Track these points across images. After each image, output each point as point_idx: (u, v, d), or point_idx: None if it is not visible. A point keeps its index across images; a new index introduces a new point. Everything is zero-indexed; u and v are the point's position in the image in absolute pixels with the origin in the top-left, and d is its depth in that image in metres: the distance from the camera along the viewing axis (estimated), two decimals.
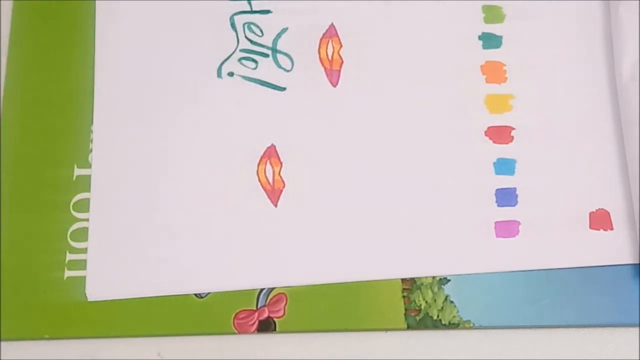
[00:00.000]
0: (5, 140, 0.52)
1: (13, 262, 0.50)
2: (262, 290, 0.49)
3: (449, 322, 0.48)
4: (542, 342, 0.48)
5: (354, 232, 0.49)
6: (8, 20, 0.55)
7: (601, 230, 0.49)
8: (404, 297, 0.48)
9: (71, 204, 0.51)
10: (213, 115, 0.52)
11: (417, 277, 0.49)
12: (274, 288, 0.49)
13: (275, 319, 0.48)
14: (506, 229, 0.49)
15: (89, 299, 0.49)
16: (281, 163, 0.51)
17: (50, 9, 0.55)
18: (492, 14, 0.53)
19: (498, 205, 0.50)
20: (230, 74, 0.53)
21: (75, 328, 0.49)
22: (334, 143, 0.51)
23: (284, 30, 0.54)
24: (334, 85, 0.52)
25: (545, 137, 0.51)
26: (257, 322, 0.48)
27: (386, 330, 0.48)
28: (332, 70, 0.53)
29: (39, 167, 0.52)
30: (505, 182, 0.50)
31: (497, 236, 0.49)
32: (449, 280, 0.49)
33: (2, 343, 0.49)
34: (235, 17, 0.54)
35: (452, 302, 0.48)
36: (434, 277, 0.49)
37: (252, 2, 0.54)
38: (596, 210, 0.49)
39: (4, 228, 0.50)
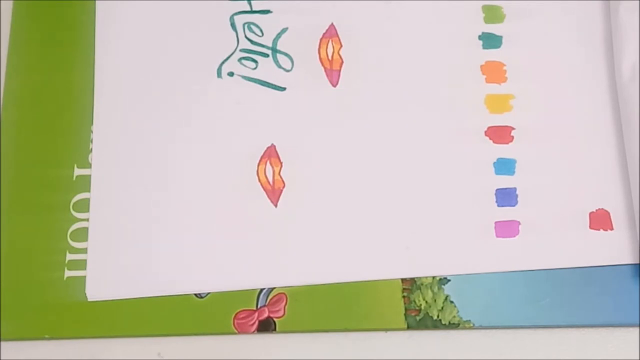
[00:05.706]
0: (5, 140, 0.52)
1: (13, 262, 0.50)
2: (262, 290, 0.49)
3: (449, 322, 0.48)
4: (542, 342, 0.48)
5: (354, 232, 0.49)
6: (8, 20, 0.55)
7: (601, 230, 0.49)
8: (404, 297, 0.48)
9: (71, 204, 0.51)
10: (213, 115, 0.52)
11: (417, 277, 0.49)
12: (274, 288, 0.49)
13: (275, 319, 0.48)
14: (506, 229, 0.49)
15: (89, 299, 0.49)
16: (281, 163, 0.51)
17: (50, 9, 0.55)
18: (492, 14, 0.53)
19: (498, 205, 0.50)
20: (230, 74, 0.53)
21: (75, 328, 0.49)
22: (334, 143, 0.51)
23: (284, 30, 0.54)
24: (334, 85, 0.52)
25: (545, 137, 0.51)
26: (257, 322, 0.48)
27: (386, 330, 0.48)
28: (332, 70, 0.53)
29: (39, 167, 0.51)
30: (505, 182, 0.50)
31: (497, 236, 0.49)
32: (449, 280, 0.49)
33: (2, 343, 0.49)
34: (235, 17, 0.54)
35: (452, 302, 0.48)
36: (434, 277, 0.49)
37: (252, 2, 0.54)
38: (596, 210, 0.49)
39: (4, 228, 0.50)
